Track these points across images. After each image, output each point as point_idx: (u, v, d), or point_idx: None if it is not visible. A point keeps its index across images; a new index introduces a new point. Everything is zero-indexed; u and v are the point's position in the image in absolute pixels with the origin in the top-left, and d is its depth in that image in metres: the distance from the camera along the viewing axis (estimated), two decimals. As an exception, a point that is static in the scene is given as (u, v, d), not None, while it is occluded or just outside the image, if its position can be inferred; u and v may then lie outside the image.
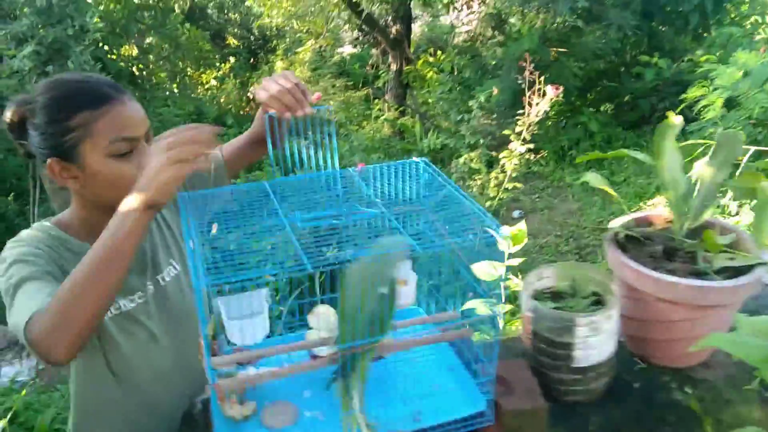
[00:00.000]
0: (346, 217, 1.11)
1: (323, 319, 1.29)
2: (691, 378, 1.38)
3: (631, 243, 1.40)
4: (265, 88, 1.22)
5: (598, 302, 1.35)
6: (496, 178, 4.58)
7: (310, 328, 1.37)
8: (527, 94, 4.19)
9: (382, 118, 8.41)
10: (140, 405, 1.40)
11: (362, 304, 0.95)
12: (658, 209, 1.51)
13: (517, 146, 4.44)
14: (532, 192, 6.87)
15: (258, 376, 1.08)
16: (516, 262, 1.89)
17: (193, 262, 0.96)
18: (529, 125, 4.30)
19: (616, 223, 1.44)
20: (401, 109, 8.45)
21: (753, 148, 1.81)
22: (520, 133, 4.37)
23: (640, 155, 1.50)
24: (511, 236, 1.97)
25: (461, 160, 4.83)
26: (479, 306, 1.47)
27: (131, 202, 1.08)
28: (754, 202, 1.32)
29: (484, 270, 1.31)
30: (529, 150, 4.46)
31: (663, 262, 1.33)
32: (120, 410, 1.39)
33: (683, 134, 6.34)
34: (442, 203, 1.18)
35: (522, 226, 2.02)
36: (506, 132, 4.50)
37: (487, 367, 1.14)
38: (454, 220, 1.24)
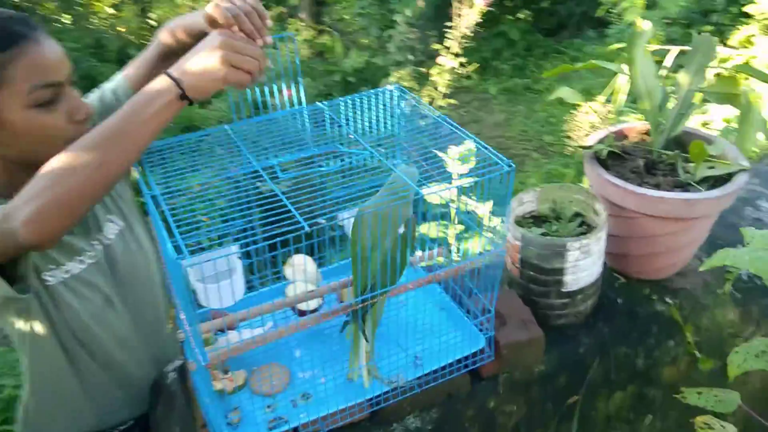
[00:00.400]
0: (329, 160, 0.99)
1: (299, 270, 1.19)
2: (670, 288, 1.39)
3: (611, 159, 1.36)
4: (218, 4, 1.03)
5: (582, 223, 1.31)
6: (429, 95, 4.47)
7: (286, 281, 1.27)
8: (453, 6, 4.03)
9: (300, 38, 8.02)
10: (111, 377, 1.28)
11: (381, 245, 0.87)
12: (633, 122, 1.47)
13: (447, 61, 4.31)
14: (460, 106, 6.83)
15: (247, 343, 0.98)
16: (467, 182, 1.82)
17: (159, 232, 0.83)
18: (460, 38, 4.17)
19: (593, 140, 1.39)
20: (319, 28, 8.07)
21: (672, 48, 1.74)
22: (449, 47, 4.24)
23: (611, 65, 1.44)
24: (459, 156, 1.90)
25: (392, 78, 4.66)
26: (431, 228, 1.41)
27: (163, 85, 0.94)
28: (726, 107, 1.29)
29: (433, 192, 1.22)
30: (461, 64, 4.35)
31: (645, 176, 1.30)
32: (85, 387, 1.26)
33: (601, 38, 6.39)
34: (431, 135, 1.08)
35: (471, 144, 1.95)
36: (435, 46, 4.36)
37: (486, 304, 1.09)
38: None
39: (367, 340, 1.01)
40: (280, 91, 1.11)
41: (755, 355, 0.92)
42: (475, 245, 1.17)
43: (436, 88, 4.45)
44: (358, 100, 1.14)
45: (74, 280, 1.20)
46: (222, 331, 1.08)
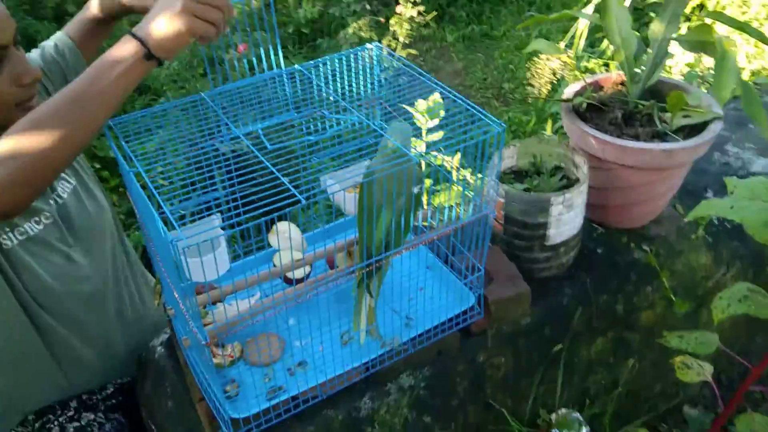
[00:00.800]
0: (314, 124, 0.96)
1: (284, 238, 1.17)
2: (646, 236, 1.42)
3: (589, 111, 1.37)
4: None
5: (563, 177, 1.32)
6: (389, 45, 4.39)
7: (270, 248, 1.25)
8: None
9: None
10: (78, 337, 1.25)
11: (392, 206, 0.87)
12: (608, 73, 1.47)
13: (406, 10, 4.23)
14: (418, 56, 6.74)
15: (244, 317, 0.97)
16: (437, 136, 1.79)
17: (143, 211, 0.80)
18: (418, -15, 4.09)
19: (570, 92, 1.39)
20: (266, -23, 7.79)
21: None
22: (409, -5, 4.16)
23: (587, 15, 1.43)
24: (426, 110, 1.88)
25: (350, 30, 4.55)
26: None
27: (128, 46, 0.90)
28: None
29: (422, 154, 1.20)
30: (419, 13, 4.27)
31: (624, 128, 1.31)
32: (51, 348, 1.22)
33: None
34: (416, 92, 1.06)
35: (436, 96, 1.92)
36: (394, -5, 4.26)
37: (476, 262, 1.10)
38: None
39: (371, 296, 1.01)
40: (236, 45, 1.07)
41: (738, 300, 0.96)
42: (461, 205, 1.17)
43: (396, 39, 4.38)
44: (337, 61, 1.11)
45: (32, 242, 1.16)
46: (213, 304, 1.06)
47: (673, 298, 1.40)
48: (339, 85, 1.10)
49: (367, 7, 4.78)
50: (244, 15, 1.03)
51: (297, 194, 0.77)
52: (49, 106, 0.90)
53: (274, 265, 1.17)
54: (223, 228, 1.12)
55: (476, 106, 0.97)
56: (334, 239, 1.25)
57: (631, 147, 1.23)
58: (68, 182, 1.28)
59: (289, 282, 1.14)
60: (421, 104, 1.22)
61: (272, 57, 1.05)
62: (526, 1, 7.28)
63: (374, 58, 1.14)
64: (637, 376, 1.49)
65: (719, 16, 1.33)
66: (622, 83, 1.43)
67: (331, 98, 1.07)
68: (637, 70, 1.36)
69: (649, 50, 1.34)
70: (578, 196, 1.22)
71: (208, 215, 1.01)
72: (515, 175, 1.35)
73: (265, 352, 1.05)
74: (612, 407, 1.43)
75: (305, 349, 1.08)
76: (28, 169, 0.88)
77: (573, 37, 3.82)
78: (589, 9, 3.60)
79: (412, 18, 4.23)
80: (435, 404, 1.20)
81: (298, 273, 1.12)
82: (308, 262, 1.12)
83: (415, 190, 0.91)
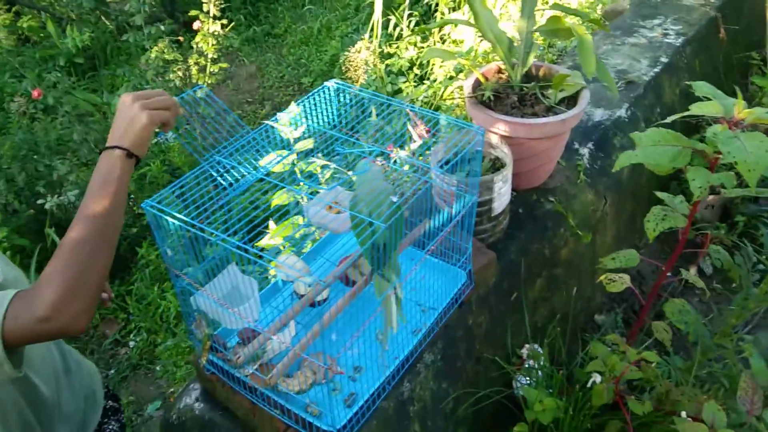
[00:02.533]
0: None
1: (292, 268, 1.28)
2: (548, 190, 1.76)
3: (487, 99, 1.64)
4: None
5: (483, 158, 1.59)
6: (197, 63, 4.34)
7: (276, 280, 1.35)
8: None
9: (-8, 25, 6.91)
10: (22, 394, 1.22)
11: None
12: (487, 65, 1.76)
13: (207, 25, 4.22)
14: (229, 67, 6.65)
15: (300, 346, 1.09)
16: (309, 144, 1.90)
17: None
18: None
19: (468, 86, 1.65)
20: (15, 9, 7.03)
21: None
22: (208, 12, 4.15)
23: (462, 21, 1.69)
24: (290, 121, 2.04)
25: (152, 54, 4.38)
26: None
27: (109, 158, 1.00)
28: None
29: (271, 159, 1.35)
30: (223, 26, 4.28)
31: (522, 109, 1.61)
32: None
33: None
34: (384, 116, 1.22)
35: (295, 107, 2.07)
36: (192, 13, 4.22)
37: (463, 245, 1.32)
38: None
39: (399, 298, 1.16)
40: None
41: (661, 219, 1.31)
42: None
43: (204, 55, 4.36)
44: (307, 103, 1.24)
45: None
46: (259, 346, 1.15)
47: (580, 233, 1.77)
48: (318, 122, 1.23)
49: (162, 28, 4.63)
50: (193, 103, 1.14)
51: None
52: (78, 231, 0.96)
53: (297, 295, 1.28)
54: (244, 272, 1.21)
55: (453, 118, 1.17)
56: (333, 257, 1.39)
57: (537, 123, 1.53)
58: None
59: (312, 305, 1.27)
60: (282, 117, 1.39)
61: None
62: (300, -6, 7.45)
63: (333, 93, 1.28)
64: (566, 302, 1.84)
65: (558, 7, 1.68)
66: (499, 71, 1.74)
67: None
68: (515, 60, 1.66)
69: (518, 42, 1.65)
70: (509, 170, 1.50)
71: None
72: (446, 164, 1.59)
73: (321, 369, 1.17)
74: (554, 332, 1.76)
75: (354, 356, 1.22)
76: (78, 280, 0.92)
77: (372, 28, 4.15)
78: (378, 3, 3.96)
79: (215, 32, 4.23)
80: (447, 370, 1.42)
81: (322, 294, 1.25)
82: (328, 284, 1.25)
83: (394, 198, 1.08)
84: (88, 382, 1.31)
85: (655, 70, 2.26)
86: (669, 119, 1.34)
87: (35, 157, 3.32)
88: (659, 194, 1.47)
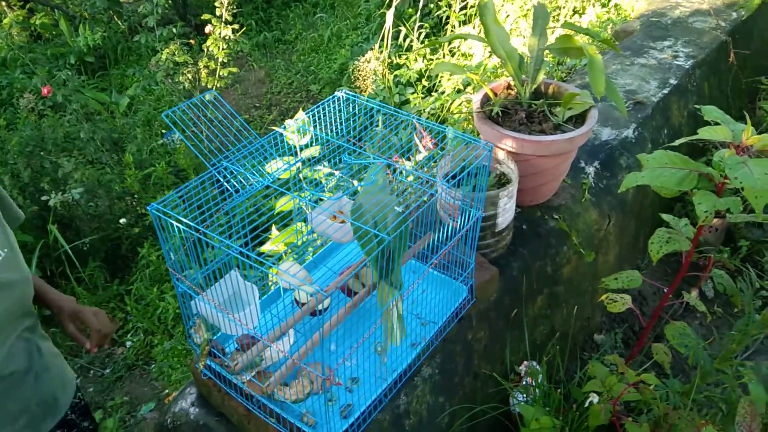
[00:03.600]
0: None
1: (293, 275, 1.28)
2: (553, 207, 1.76)
3: (496, 115, 1.64)
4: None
5: (489, 173, 1.59)
6: (207, 67, 4.36)
7: (276, 287, 1.35)
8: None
9: (5, 21, 6.97)
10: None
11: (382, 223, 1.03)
12: (497, 81, 1.76)
13: (218, 29, 4.24)
14: (238, 72, 6.69)
15: (299, 355, 1.08)
16: (315, 151, 1.90)
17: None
18: (228, 4, 4.12)
19: (477, 101, 1.66)
20: (29, 6, 7.09)
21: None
22: (220, 16, 4.17)
23: (473, 36, 1.70)
24: (297, 128, 2.05)
25: (163, 55, 4.41)
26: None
27: None
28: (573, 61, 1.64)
29: (278, 167, 1.35)
30: (234, 31, 4.31)
31: (530, 125, 1.61)
32: None
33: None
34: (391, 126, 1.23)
35: (303, 115, 2.07)
36: (205, 16, 4.24)
37: (467, 259, 1.32)
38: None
39: (399, 310, 1.16)
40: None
41: (666, 241, 1.30)
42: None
43: (214, 59, 4.38)
44: (316, 111, 1.24)
45: None
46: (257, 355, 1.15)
47: (583, 252, 1.76)
48: (328, 131, 1.23)
49: (174, 30, 4.66)
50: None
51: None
52: None
53: (297, 303, 1.28)
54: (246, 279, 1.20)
55: (460, 133, 1.17)
56: (336, 266, 1.39)
57: (545, 140, 1.53)
58: (1, 252, 1.22)
59: (313, 314, 1.26)
60: (290, 123, 1.39)
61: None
62: (310, 3, 7.54)
63: (343, 102, 1.29)
64: (566, 320, 1.83)
65: (570, 26, 1.69)
66: (508, 87, 1.74)
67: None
68: (525, 76, 1.67)
69: (528, 59, 1.66)
70: (515, 187, 1.50)
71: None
72: (452, 178, 1.59)
73: (319, 379, 1.16)
74: (553, 350, 1.75)
75: (351, 368, 1.22)
76: None
77: (383, 38, 4.17)
78: (389, 14, 3.98)
79: (226, 37, 4.26)
80: (444, 385, 1.41)
81: (323, 303, 1.24)
82: (329, 294, 1.25)
83: (399, 209, 1.08)
84: (50, 388, 1.29)
85: (664, 91, 2.27)
86: (677, 142, 1.34)
87: (41, 153, 3.33)
88: (664, 216, 1.47)
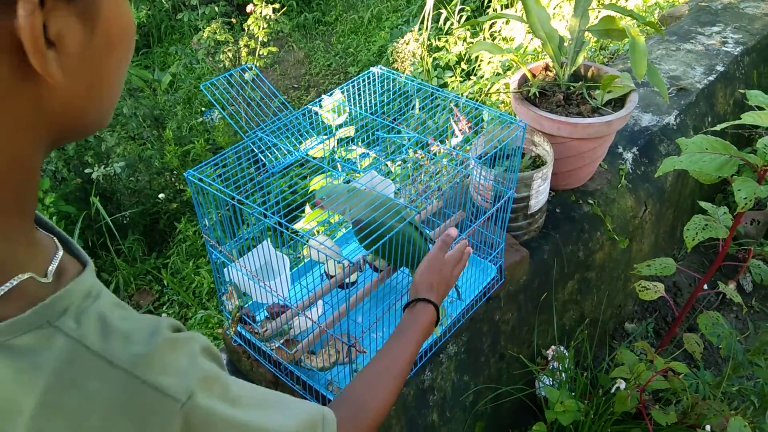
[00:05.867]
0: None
1: (324, 249, 1.30)
2: (588, 192, 1.74)
3: (533, 96, 1.63)
4: None
5: (523, 155, 1.58)
6: (247, 46, 4.40)
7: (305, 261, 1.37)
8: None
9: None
10: None
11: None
12: (535, 63, 1.74)
13: (259, 8, 4.28)
14: (278, 52, 6.74)
15: (327, 324, 1.10)
16: (349, 131, 1.90)
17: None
18: (269, -17, 4.16)
19: (514, 82, 1.64)
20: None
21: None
22: (262, -6, 4.21)
23: (514, 15, 1.68)
24: (333, 107, 2.05)
25: (204, 34, 4.47)
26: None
27: (428, 313, 0.95)
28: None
29: (312, 142, 1.34)
30: (274, 10, 4.34)
31: (567, 107, 1.59)
32: None
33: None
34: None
35: (338, 96, 2.08)
36: (246, -5, 4.28)
37: (497, 239, 1.31)
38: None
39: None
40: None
41: (702, 228, 1.28)
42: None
43: (254, 38, 4.42)
44: (350, 88, 1.25)
45: None
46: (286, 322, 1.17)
47: (617, 238, 1.74)
48: (361, 107, 1.24)
49: (216, 9, 4.72)
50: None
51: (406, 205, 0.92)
52: (390, 371, 0.88)
53: (326, 275, 1.30)
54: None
55: (496, 110, 1.17)
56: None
57: (582, 123, 1.51)
58: None
59: (341, 287, 1.28)
60: (327, 102, 1.39)
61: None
62: (355, -17, 7.47)
63: (380, 78, 1.29)
64: (596, 306, 1.81)
65: (613, 7, 1.65)
66: (546, 68, 1.72)
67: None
68: (564, 58, 1.64)
69: (569, 41, 1.63)
70: (549, 168, 1.48)
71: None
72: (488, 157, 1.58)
73: (344, 348, 1.18)
74: (582, 336, 1.74)
75: (377, 340, 1.23)
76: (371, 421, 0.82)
77: (422, 20, 4.14)
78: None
79: (267, 16, 4.29)
80: (470, 363, 1.41)
81: (352, 277, 1.26)
82: (360, 266, 1.27)
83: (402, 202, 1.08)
84: None
85: (710, 78, 2.20)
86: (719, 127, 1.31)
87: (86, 127, 3.42)
88: (702, 204, 1.44)
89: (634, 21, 1.70)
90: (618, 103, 1.61)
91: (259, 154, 1.15)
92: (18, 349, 0.42)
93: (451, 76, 3.80)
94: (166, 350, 0.47)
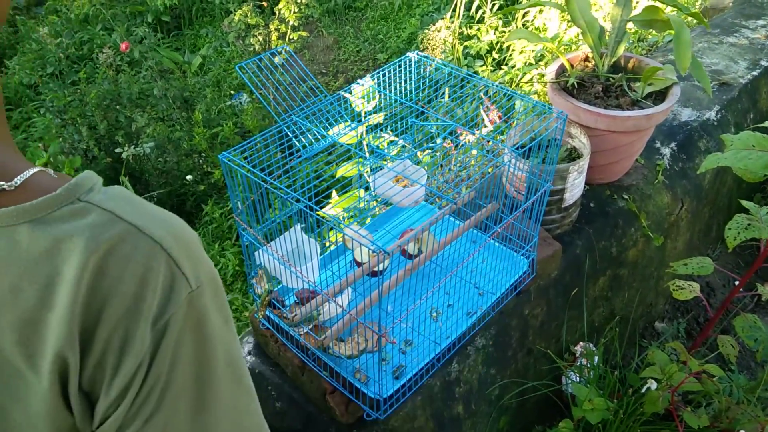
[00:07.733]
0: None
1: (358, 237, 1.29)
2: (623, 187, 1.69)
3: (571, 87, 1.59)
4: None
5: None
6: (278, 30, 4.39)
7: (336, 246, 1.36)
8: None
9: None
10: None
11: None
12: (574, 53, 1.70)
13: (292, -7, 4.26)
14: (308, 36, 6.74)
15: (356, 311, 1.09)
16: (379, 118, 1.86)
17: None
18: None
19: (550, 72, 1.60)
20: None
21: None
22: (293, -21, 4.18)
23: (553, 3, 1.64)
24: (363, 94, 2.03)
25: (235, 17, 4.47)
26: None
27: None
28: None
29: (344, 134, 1.31)
30: (306, -6, 4.32)
31: (606, 99, 1.55)
32: None
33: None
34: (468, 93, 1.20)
35: (369, 81, 2.05)
36: (278, -21, 4.26)
37: (530, 232, 1.29)
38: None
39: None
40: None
41: (744, 228, 1.24)
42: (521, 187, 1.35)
43: (285, 22, 4.40)
44: (385, 73, 1.23)
45: None
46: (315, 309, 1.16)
47: (651, 235, 1.70)
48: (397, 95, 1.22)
49: (247, -8, 4.72)
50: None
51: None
52: None
53: (356, 262, 1.29)
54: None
55: (534, 99, 1.14)
56: (395, 230, 1.39)
57: (621, 115, 1.47)
58: None
59: (373, 275, 1.26)
60: (357, 89, 1.36)
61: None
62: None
63: (417, 65, 1.27)
64: (627, 304, 1.78)
65: (658, -3, 1.59)
66: (585, 59, 1.67)
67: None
68: (604, 49, 1.60)
69: (609, 31, 1.58)
70: (585, 162, 1.45)
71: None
72: (521, 148, 1.55)
73: (373, 337, 1.17)
74: (612, 333, 1.71)
75: (406, 330, 1.22)
76: None
77: (454, 8, 4.09)
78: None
79: (298, 1, 4.27)
80: (497, 357, 1.39)
81: (381, 264, 1.24)
82: (391, 254, 1.25)
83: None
84: None
85: (754, 73, 2.13)
86: (766, 123, 1.26)
87: (117, 107, 3.45)
88: (744, 203, 1.39)
89: (678, 11, 1.65)
90: (658, 96, 1.57)
91: (293, 139, 1.14)
92: (55, 221, 0.47)
93: (481, 65, 3.75)
94: (192, 241, 0.51)
